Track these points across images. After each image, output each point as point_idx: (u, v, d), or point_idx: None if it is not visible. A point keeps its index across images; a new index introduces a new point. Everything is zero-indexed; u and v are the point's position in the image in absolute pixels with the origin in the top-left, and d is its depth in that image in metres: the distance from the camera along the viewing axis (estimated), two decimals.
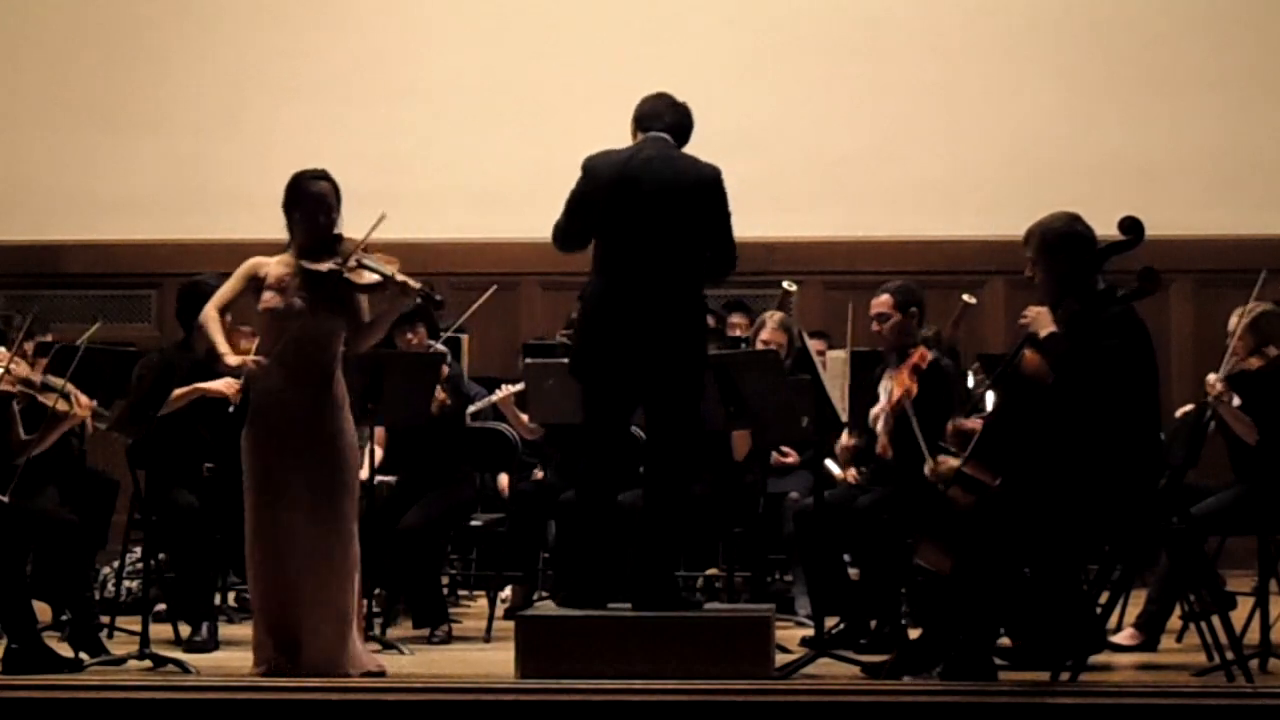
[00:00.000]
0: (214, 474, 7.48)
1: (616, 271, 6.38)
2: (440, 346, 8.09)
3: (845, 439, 7.50)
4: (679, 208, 6.36)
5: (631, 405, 6.48)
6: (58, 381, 6.90)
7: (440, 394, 7.78)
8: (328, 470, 6.25)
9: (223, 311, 6.38)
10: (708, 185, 6.40)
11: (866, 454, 7.51)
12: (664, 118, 6.52)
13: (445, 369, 7.91)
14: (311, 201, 6.35)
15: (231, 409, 7.25)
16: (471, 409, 8.35)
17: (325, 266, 6.27)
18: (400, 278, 6.29)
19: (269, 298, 6.30)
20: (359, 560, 6.32)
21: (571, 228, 6.48)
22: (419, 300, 6.39)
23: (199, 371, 7.42)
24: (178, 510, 7.36)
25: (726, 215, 6.43)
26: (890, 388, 7.27)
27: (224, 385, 7.26)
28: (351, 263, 6.27)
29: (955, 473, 6.16)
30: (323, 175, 6.41)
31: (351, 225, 6.38)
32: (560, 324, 9.41)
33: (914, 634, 7.25)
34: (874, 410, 7.29)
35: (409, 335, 7.97)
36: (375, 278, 6.28)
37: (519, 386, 8.22)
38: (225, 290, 6.38)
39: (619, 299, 6.36)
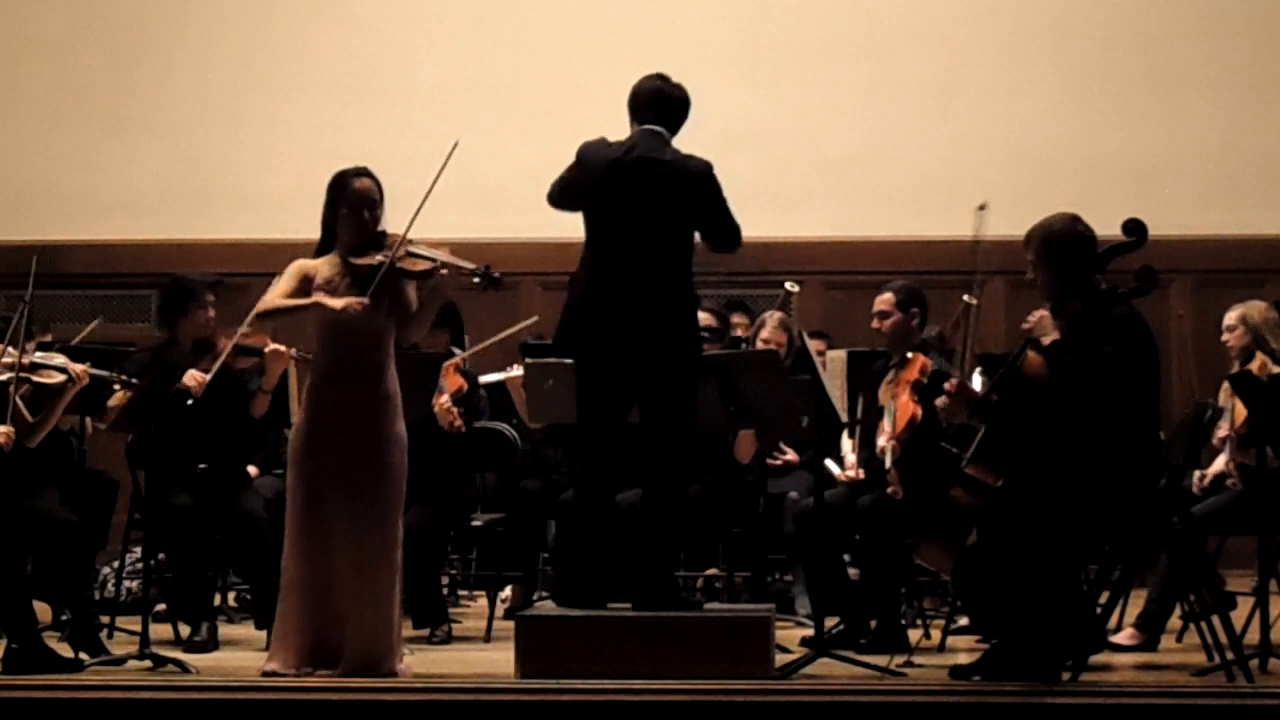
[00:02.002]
0: (207, 474, 7.48)
1: (604, 266, 6.38)
2: (461, 354, 8.07)
3: (854, 471, 7.48)
4: (666, 204, 6.35)
5: (626, 404, 6.48)
6: (50, 357, 6.90)
7: (457, 419, 7.76)
8: (375, 472, 6.23)
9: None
10: (697, 180, 6.38)
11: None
12: (657, 107, 6.47)
13: (464, 384, 7.89)
14: (356, 198, 6.31)
15: (191, 401, 7.17)
16: (483, 380, 8.31)
17: (374, 260, 6.25)
18: (454, 260, 6.26)
19: (320, 298, 6.28)
20: (402, 560, 6.30)
21: (563, 200, 6.50)
22: (477, 280, 6.35)
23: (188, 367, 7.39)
24: (173, 511, 7.36)
25: (722, 202, 6.41)
26: (893, 409, 7.24)
27: (188, 378, 7.21)
28: (401, 252, 6.24)
29: (957, 473, 6.17)
30: (365, 172, 6.37)
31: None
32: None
33: (914, 634, 7.27)
34: (881, 442, 7.25)
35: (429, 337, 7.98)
36: (427, 264, 6.23)
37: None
38: (281, 288, 6.29)
39: (607, 295, 6.35)
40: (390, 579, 6.21)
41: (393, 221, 6.37)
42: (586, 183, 6.42)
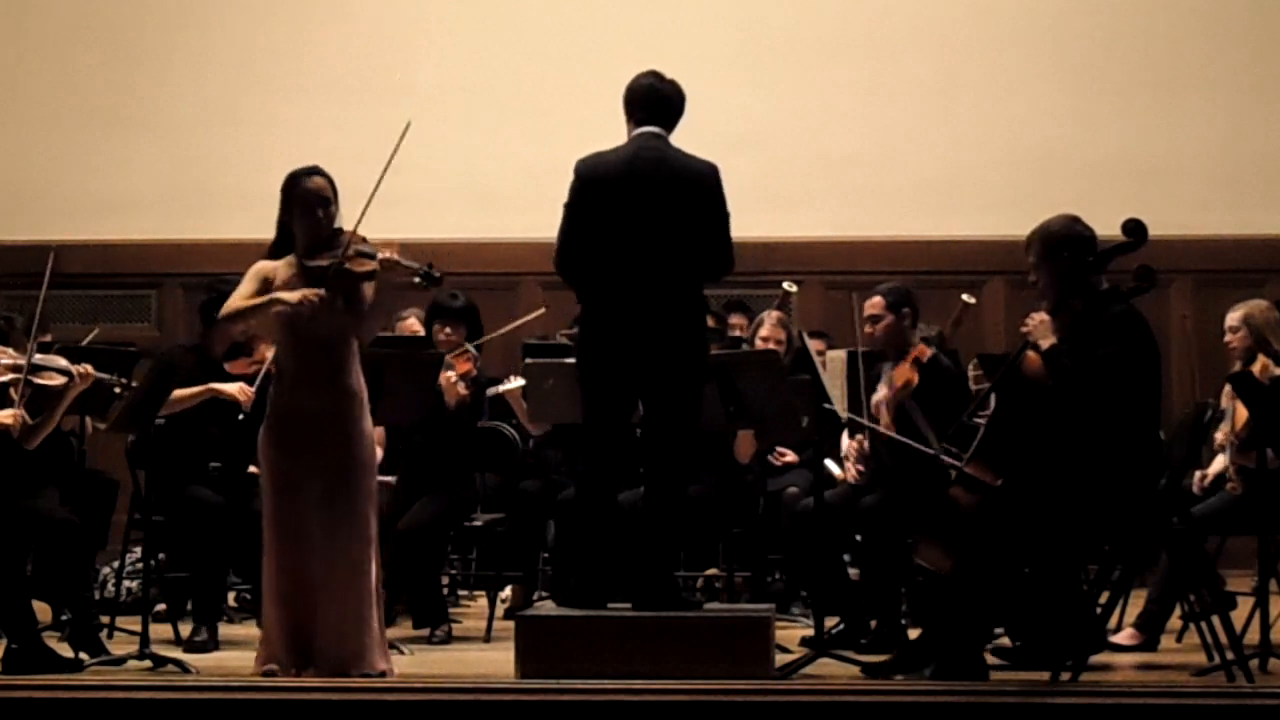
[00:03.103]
0: (220, 473, 7.51)
1: (616, 272, 6.37)
2: (472, 349, 8.07)
3: (849, 443, 7.52)
4: (677, 206, 6.35)
5: (631, 404, 6.48)
6: (51, 359, 6.91)
7: (462, 388, 7.78)
8: (344, 470, 6.20)
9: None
10: (705, 181, 6.38)
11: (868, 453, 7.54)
12: (652, 107, 6.46)
13: (474, 369, 7.91)
14: (308, 199, 6.31)
15: (242, 416, 7.29)
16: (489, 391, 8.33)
17: (325, 261, 6.25)
18: (394, 258, 6.23)
19: (278, 306, 6.27)
20: (377, 559, 6.28)
21: (574, 236, 6.42)
22: (416, 279, 6.36)
23: (206, 370, 7.45)
24: (201, 506, 7.35)
25: (724, 214, 6.40)
26: (891, 378, 7.29)
27: (237, 390, 7.36)
28: (350, 252, 6.24)
29: (956, 473, 6.17)
30: (316, 171, 6.36)
31: (351, 223, 6.36)
32: (561, 323, 9.41)
33: (914, 634, 7.27)
34: (875, 398, 7.29)
35: (447, 330, 7.98)
36: (373, 264, 6.24)
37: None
38: (242, 290, 6.29)
39: (619, 299, 6.35)
40: (362, 577, 6.19)
41: (384, 221, 6.35)
42: (594, 194, 6.39)
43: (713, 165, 6.41)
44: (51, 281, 7.10)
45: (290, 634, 6.18)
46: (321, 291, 6.16)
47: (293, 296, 6.18)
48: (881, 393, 7.30)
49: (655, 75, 6.54)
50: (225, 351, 7.59)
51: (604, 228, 6.38)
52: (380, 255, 6.21)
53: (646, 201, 6.34)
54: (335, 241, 6.28)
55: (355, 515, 6.21)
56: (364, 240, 6.27)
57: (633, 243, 6.34)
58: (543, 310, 8.87)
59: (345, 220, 6.33)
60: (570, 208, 6.45)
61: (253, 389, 7.40)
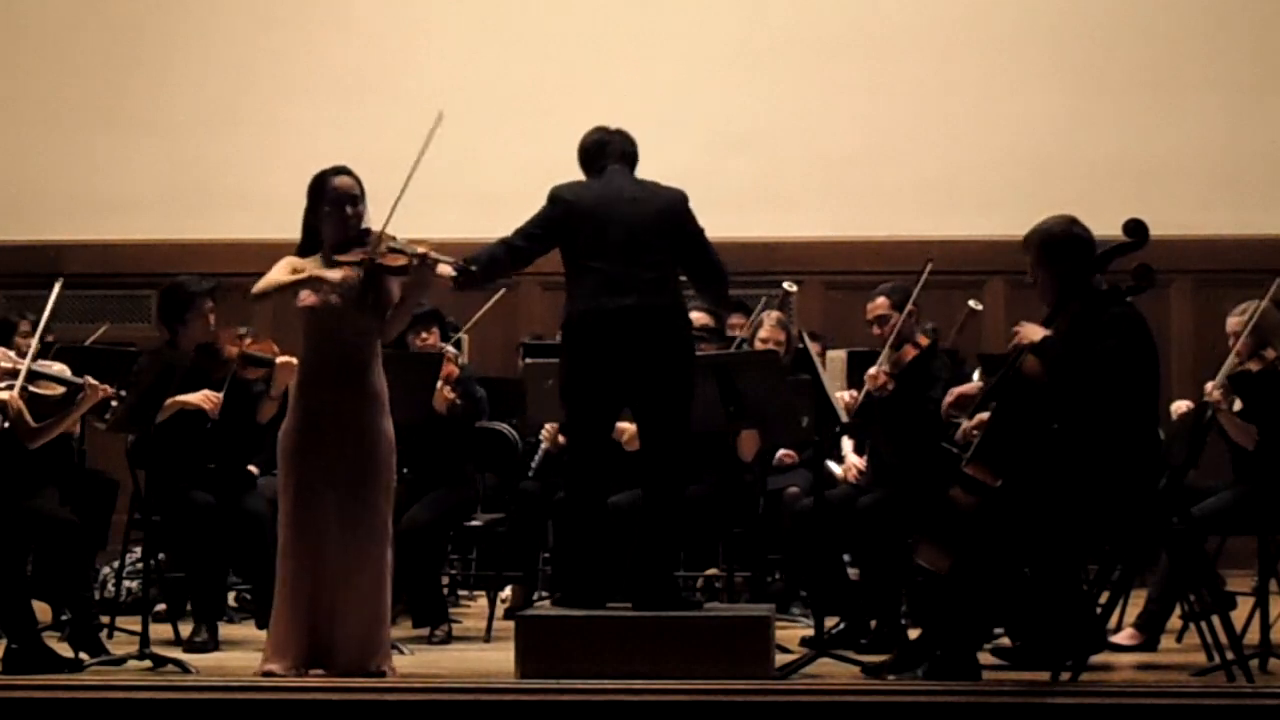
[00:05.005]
0: (215, 473, 7.50)
1: (601, 291, 6.38)
2: (452, 349, 8.09)
3: (854, 467, 7.71)
4: (657, 228, 6.45)
5: (617, 408, 6.52)
6: (48, 366, 6.90)
7: (450, 394, 7.80)
8: (364, 471, 6.21)
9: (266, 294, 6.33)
10: (679, 206, 6.51)
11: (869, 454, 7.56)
12: (614, 151, 6.61)
13: (457, 370, 7.92)
14: (337, 196, 6.32)
15: (210, 424, 7.26)
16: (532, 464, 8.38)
17: (357, 257, 6.24)
18: (432, 255, 6.25)
19: (306, 296, 6.27)
20: (392, 559, 6.30)
21: (527, 249, 6.53)
22: (455, 274, 6.36)
23: (191, 376, 7.40)
24: (194, 508, 7.35)
25: (701, 231, 6.53)
26: (887, 353, 7.39)
27: (201, 399, 7.27)
28: (382, 248, 6.24)
29: (957, 473, 6.18)
30: (344, 170, 6.37)
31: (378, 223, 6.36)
32: (560, 324, 9.42)
33: (914, 634, 7.28)
34: (870, 372, 7.38)
35: (423, 335, 7.99)
36: (406, 260, 6.23)
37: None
38: (273, 277, 6.27)
39: (605, 317, 6.36)
40: (380, 576, 6.21)
41: (383, 219, 6.36)
42: (574, 219, 6.45)
43: (682, 191, 6.52)
44: (51, 282, 7.10)
45: (307, 634, 6.18)
46: (360, 272, 6.17)
47: (335, 274, 6.20)
48: (872, 370, 7.34)
49: (603, 129, 6.66)
50: (194, 353, 7.51)
51: (584, 251, 6.43)
52: (418, 253, 6.22)
53: (627, 225, 6.41)
54: (364, 240, 6.28)
55: (374, 515, 6.22)
56: (394, 239, 6.27)
57: (615, 263, 6.38)
58: (503, 292, 8.88)
59: (372, 220, 6.34)
60: (539, 225, 6.50)
61: (219, 395, 7.34)
